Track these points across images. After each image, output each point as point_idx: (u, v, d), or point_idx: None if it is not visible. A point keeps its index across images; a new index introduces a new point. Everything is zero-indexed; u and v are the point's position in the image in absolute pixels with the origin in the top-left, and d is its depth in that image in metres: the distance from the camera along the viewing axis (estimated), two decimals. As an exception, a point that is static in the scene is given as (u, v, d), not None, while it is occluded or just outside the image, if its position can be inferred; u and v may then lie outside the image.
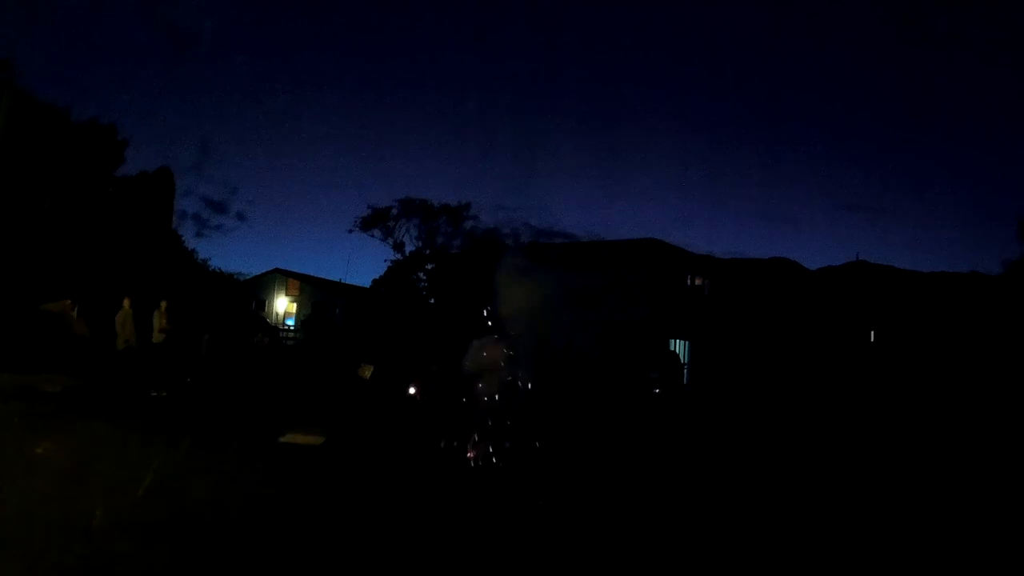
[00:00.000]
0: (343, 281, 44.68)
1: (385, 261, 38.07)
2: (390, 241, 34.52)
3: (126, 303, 14.44)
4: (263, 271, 43.84)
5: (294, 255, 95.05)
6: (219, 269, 40.34)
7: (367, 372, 17.79)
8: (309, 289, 42.68)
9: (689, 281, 26.19)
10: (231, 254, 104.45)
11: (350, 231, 36.76)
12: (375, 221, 34.32)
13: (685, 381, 23.82)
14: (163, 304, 15.00)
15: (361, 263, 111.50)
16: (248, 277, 43.62)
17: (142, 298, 15.94)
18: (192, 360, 16.71)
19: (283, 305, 42.90)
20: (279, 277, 43.37)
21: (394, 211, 34.18)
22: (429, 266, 33.58)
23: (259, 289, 42.90)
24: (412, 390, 17.63)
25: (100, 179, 25.83)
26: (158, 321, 14.90)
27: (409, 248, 34.45)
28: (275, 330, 37.74)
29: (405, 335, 23.32)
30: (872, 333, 28.09)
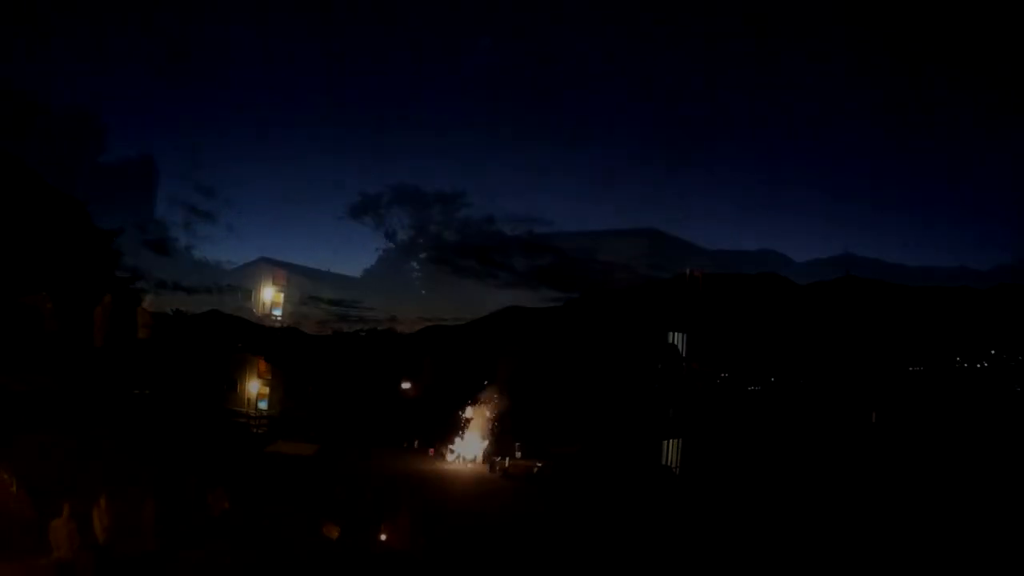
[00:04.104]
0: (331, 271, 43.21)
1: (376, 250, 36.01)
2: (382, 230, 31.99)
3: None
4: (250, 260, 42.40)
5: (283, 242, 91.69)
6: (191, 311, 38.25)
7: (334, 533, 16.90)
8: (296, 280, 41.64)
9: (685, 365, 24.77)
10: (221, 240, 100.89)
11: (340, 218, 33.85)
12: (365, 209, 31.70)
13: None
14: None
15: (351, 251, 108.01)
16: (236, 266, 42.02)
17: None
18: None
19: (269, 295, 41.90)
20: (265, 266, 42.19)
21: (385, 198, 31.37)
22: (422, 255, 31.40)
23: (245, 279, 41.79)
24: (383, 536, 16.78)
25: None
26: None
27: (401, 238, 32.10)
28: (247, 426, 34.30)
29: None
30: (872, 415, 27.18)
